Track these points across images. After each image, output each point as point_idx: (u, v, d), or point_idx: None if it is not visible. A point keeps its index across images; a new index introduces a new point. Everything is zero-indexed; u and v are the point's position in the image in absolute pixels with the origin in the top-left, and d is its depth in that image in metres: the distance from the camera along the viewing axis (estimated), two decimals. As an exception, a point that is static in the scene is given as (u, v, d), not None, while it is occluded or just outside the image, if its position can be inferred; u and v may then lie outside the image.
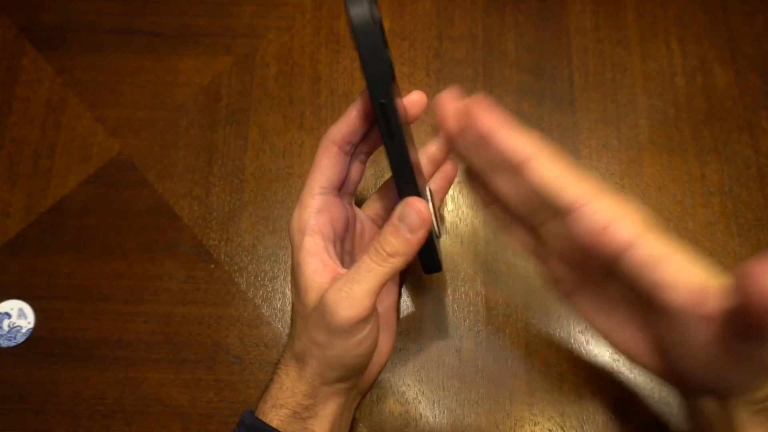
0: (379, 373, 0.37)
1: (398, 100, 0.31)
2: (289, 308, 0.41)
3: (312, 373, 0.32)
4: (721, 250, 0.42)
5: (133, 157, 0.44)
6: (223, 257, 0.42)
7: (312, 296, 0.31)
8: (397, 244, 0.29)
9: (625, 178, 0.44)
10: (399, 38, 0.47)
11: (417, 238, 0.29)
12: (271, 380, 0.34)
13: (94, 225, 0.43)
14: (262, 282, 0.41)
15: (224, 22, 0.48)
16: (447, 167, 0.36)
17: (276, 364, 0.34)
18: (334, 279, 0.31)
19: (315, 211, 0.32)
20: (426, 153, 0.35)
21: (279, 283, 0.41)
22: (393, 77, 0.29)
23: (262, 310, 0.41)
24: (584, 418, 0.38)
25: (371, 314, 0.30)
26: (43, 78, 0.46)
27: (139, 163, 0.44)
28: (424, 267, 0.33)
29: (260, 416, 0.32)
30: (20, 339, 0.40)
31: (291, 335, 0.34)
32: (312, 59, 0.47)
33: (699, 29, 0.47)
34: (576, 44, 0.47)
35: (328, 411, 0.33)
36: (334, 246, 0.33)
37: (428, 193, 0.33)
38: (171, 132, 0.45)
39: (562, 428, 0.37)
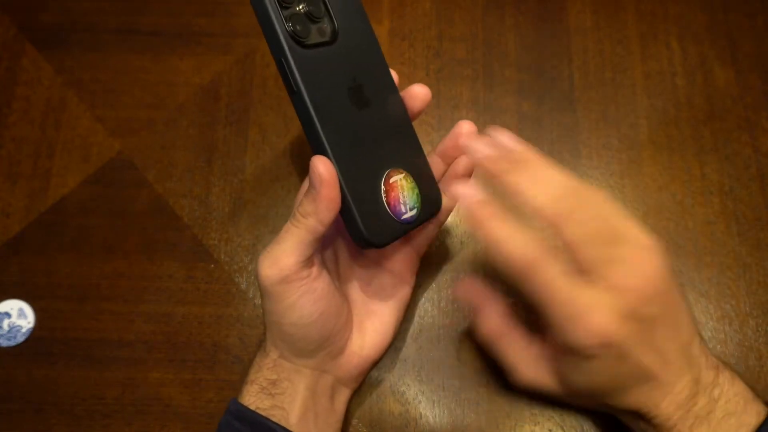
0: (366, 371, 0.37)
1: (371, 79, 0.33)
2: (289, 308, 0.41)
3: (270, 345, 0.34)
4: (721, 250, 0.42)
5: (133, 157, 0.44)
6: (223, 257, 0.42)
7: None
8: (306, 203, 0.30)
9: (625, 178, 0.44)
10: (399, 38, 0.47)
11: (322, 196, 0.29)
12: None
13: (94, 225, 0.43)
14: (262, 282, 0.41)
15: (224, 22, 0.48)
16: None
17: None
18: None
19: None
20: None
21: (279, 283, 0.41)
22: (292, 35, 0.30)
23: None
24: (584, 418, 0.38)
25: (295, 276, 0.31)
26: (43, 78, 0.46)
27: (139, 163, 0.44)
28: (352, 237, 0.32)
29: (238, 394, 0.34)
30: (20, 339, 0.40)
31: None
32: (312, 59, 0.47)
33: (699, 29, 0.47)
34: (576, 44, 0.47)
35: (295, 389, 0.33)
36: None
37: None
38: (171, 132, 0.45)
39: (562, 428, 0.37)
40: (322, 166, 0.29)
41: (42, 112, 0.46)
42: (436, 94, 0.46)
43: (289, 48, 0.30)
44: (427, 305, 0.40)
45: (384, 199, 0.31)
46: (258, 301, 0.41)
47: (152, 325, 0.40)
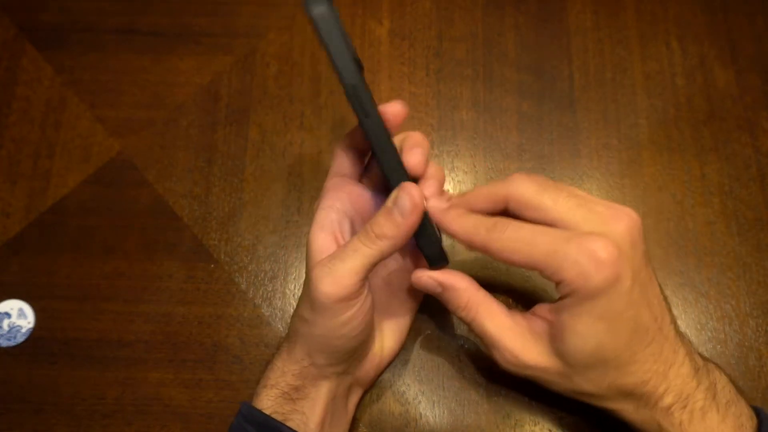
0: (382, 371, 0.37)
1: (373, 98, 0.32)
2: (289, 308, 0.41)
3: (300, 353, 0.32)
4: (721, 250, 0.42)
5: (133, 157, 0.45)
6: (223, 257, 0.42)
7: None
8: (386, 226, 0.29)
9: (625, 178, 0.44)
10: (399, 38, 0.47)
11: (408, 222, 0.29)
12: (266, 363, 0.34)
13: (94, 225, 0.43)
14: (262, 282, 0.41)
15: (224, 22, 0.48)
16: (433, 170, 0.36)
17: (276, 348, 0.35)
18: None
19: (330, 187, 0.33)
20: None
21: (279, 283, 0.41)
22: (362, 69, 0.30)
23: (262, 310, 0.41)
24: (584, 418, 0.38)
25: (355, 295, 0.30)
26: (43, 78, 0.46)
27: (139, 163, 0.44)
28: (427, 258, 0.33)
29: (254, 398, 0.33)
30: (20, 339, 0.40)
31: (292, 314, 0.35)
32: (312, 59, 0.47)
33: (699, 29, 0.47)
34: (576, 44, 0.47)
35: (318, 394, 0.33)
36: (353, 222, 0.33)
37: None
38: (171, 132, 0.45)
39: (562, 428, 0.37)
40: (416, 193, 0.29)
41: (42, 112, 0.46)
42: (436, 94, 0.46)
43: (360, 74, 0.30)
44: (427, 304, 0.40)
45: None
46: (258, 301, 0.41)
47: (152, 325, 0.40)
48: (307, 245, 0.32)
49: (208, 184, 0.44)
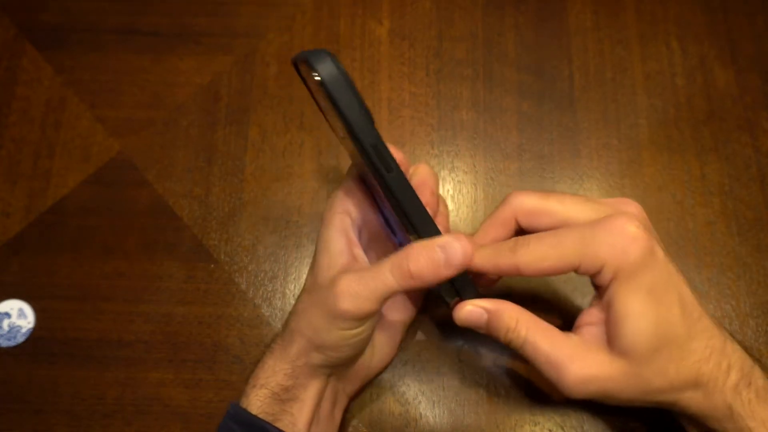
0: (368, 382, 0.38)
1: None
2: (289, 308, 0.41)
3: (297, 352, 0.32)
4: (721, 250, 0.42)
5: (133, 157, 0.45)
6: (223, 257, 0.42)
7: (329, 274, 0.31)
8: (426, 269, 0.29)
9: (625, 178, 0.44)
10: (399, 38, 0.47)
11: (451, 273, 0.29)
12: (258, 361, 0.34)
13: (94, 225, 0.43)
14: (262, 282, 0.41)
15: (224, 22, 0.48)
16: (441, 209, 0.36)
17: (267, 345, 0.35)
18: (353, 261, 0.32)
19: (344, 193, 0.34)
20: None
21: (279, 283, 0.41)
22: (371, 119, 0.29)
23: (262, 310, 0.41)
24: (584, 418, 0.38)
25: (372, 315, 0.31)
26: (43, 78, 0.46)
27: (139, 163, 0.44)
28: (459, 295, 0.32)
29: (243, 397, 0.33)
30: (20, 339, 0.40)
31: (290, 312, 0.34)
32: (312, 59, 0.47)
33: (699, 29, 0.47)
34: (576, 44, 0.47)
35: (307, 395, 0.33)
36: (359, 230, 0.34)
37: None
38: (171, 132, 0.45)
39: (562, 428, 0.37)
40: (469, 249, 0.29)
41: (42, 112, 0.46)
42: (436, 94, 0.46)
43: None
44: (427, 305, 0.40)
45: None
46: (258, 301, 0.41)
47: (152, 325, 0.40)
48: (323, 246, 0.32)
49: (208, 184, 0.44)
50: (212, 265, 0.42)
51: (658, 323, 0.28)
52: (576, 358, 0.29)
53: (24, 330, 0.40)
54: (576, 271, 0.30)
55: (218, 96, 0.46)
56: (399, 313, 0.37)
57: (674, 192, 0.43)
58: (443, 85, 0.46)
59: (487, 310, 0.31)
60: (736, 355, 0.29)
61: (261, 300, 0.41)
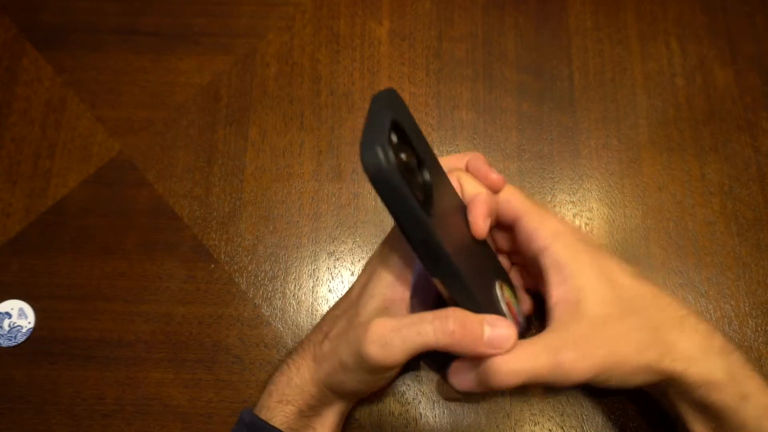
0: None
1: (442, 187, 0.29)
2: (289, 308, 0.41)
3: (325, 381, 0.32)
4: (721, 250, 0.42)
5: (133, 157, 0.45)
6: (223, 257, 0.42)
7: (372, 306, 0.31)
8: (467, 338, 0.28)
9: (625, 178, 0.44)
10: (399, 38, 0.47)
11: (487, 352, 0.28)
12: (279, 371, 0.34)
13: (94, 225, 0.43)
14: (262, 282, 0.41)
15: (224, 22, 0.48)
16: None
17: (288, 354, 0.35)
18: (398, 302, 0.31)
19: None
20: None
21: (279, 283, 0.41)
22: (431, 194, 0.27)
23: (262, 310, 0.41)
24: (584, 418, 0.38)
25: (397, 367, 0.30)
26: (43, 78, 0.46)
27: (139, 163, 0.44)
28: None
29: (264, 410, 0.33)
30: (20, 339, 0.40)
31: (323, 331, 0.33)
32: (312, 59, 0.47)
33: (699, 29, 0.47)
34: (576, 44, 0.47)
35: (331, 412, 0.34)
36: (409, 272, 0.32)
37: (498, 291, 0.31)
38: (171, 132, 0.45)
39: (562, 428, 0.37)
40: (514, 339, 0.28)
41: (42, 112, 0.46)
42: (436, 94, 0.46)
43: (431, 225, 0.25)
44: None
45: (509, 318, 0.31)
46: (258, 301, 0.41)
47: (152, 325, 0.40)
48: (376, 277, 0.32)
49: (208, 184, 0.44)
50: (212, 265, 0.42)
51: (591, 267, 0.30)
52: (569, 347, 0.28)
53: (24, 330, 0.40)
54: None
55: (218, 96, 0.46)
56: None
57: (674, 192, 0.43)
58: (443, 85, 0.46)
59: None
60: (720, 334, 0.30)
61: (261, 300, 0.41)
